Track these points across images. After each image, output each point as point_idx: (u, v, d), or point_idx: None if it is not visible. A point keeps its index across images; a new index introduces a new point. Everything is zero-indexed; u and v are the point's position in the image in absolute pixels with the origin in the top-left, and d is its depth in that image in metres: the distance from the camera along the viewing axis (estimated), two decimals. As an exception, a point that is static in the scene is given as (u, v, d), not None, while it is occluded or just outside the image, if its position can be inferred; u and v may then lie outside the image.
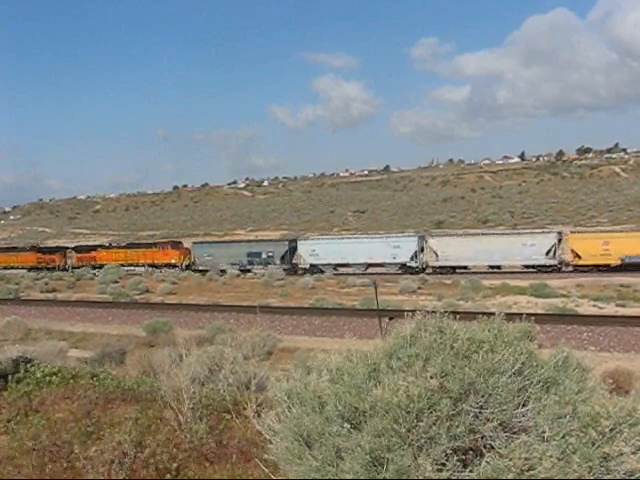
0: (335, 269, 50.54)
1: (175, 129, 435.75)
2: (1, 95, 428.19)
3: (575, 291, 33.11)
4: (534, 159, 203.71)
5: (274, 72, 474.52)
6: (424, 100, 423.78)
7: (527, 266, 46.10)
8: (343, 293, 36.87)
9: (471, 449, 3.56)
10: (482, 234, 54.06)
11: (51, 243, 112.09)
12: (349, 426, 3.73)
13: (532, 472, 3.28)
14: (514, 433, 3.55)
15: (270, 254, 54.70)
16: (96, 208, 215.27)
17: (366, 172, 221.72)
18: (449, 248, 48.79)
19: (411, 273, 45.75)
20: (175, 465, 5.53)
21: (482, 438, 3.54)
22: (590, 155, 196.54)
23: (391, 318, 22.68)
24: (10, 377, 8.76)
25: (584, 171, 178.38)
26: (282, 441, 4.07)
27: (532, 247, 46.36)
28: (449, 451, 3.45)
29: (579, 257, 45.17)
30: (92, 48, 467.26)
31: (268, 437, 4.24)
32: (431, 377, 3.56)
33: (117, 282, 46.50)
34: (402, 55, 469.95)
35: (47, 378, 8.81)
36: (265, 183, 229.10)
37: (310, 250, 52.89)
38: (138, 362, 12.66)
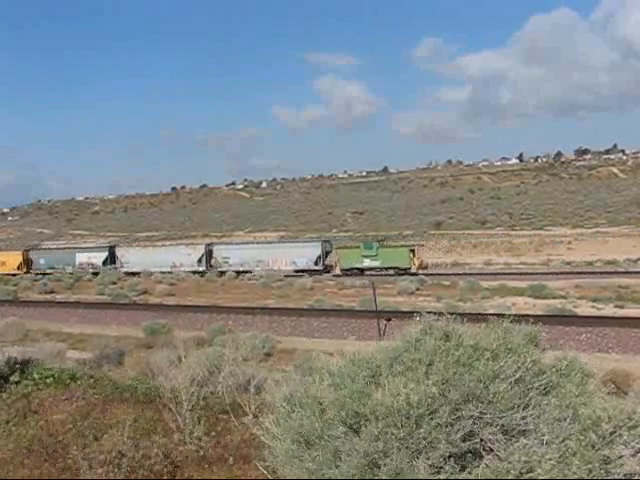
0: None
1: (175, 130, 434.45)
2: (0, 96, 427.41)
3: (573, 292, 33.08)
4: (532, 160, 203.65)
5: (275, 72, 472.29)
6: (425, 100, 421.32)
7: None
8: (341, 294, 36.86)
9: (470, 452, 3.55)
10: None
11: (50, 244, 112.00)
12: (345, 429, 3.72)
13: (531, 474, 3.27)
14: (513, 436, 3.54)
15: None
16: (94, 209, 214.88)
17: (364, 173, 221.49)
18: None
19: None
20: (173, 466, 5.52)
21: (481, 441, 3.54)
22: (588, 156, 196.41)
23: (389, 319, 22.68)
24: (8, 378, 8.74)
25: (582, 172, 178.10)
26: (281, 443, 4.06)
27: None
28: (447, 455, 3.44)
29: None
30: (92, 48, 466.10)
31: (266, 441, 4.23)
32: (432, 384, 3.55)
33: (115, 283, 46.56)
34: (404, 55, 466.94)
35: (46, 380, 8.79)
36: (263, 184, 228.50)
37: None
38: (137, 363, 12.65)
